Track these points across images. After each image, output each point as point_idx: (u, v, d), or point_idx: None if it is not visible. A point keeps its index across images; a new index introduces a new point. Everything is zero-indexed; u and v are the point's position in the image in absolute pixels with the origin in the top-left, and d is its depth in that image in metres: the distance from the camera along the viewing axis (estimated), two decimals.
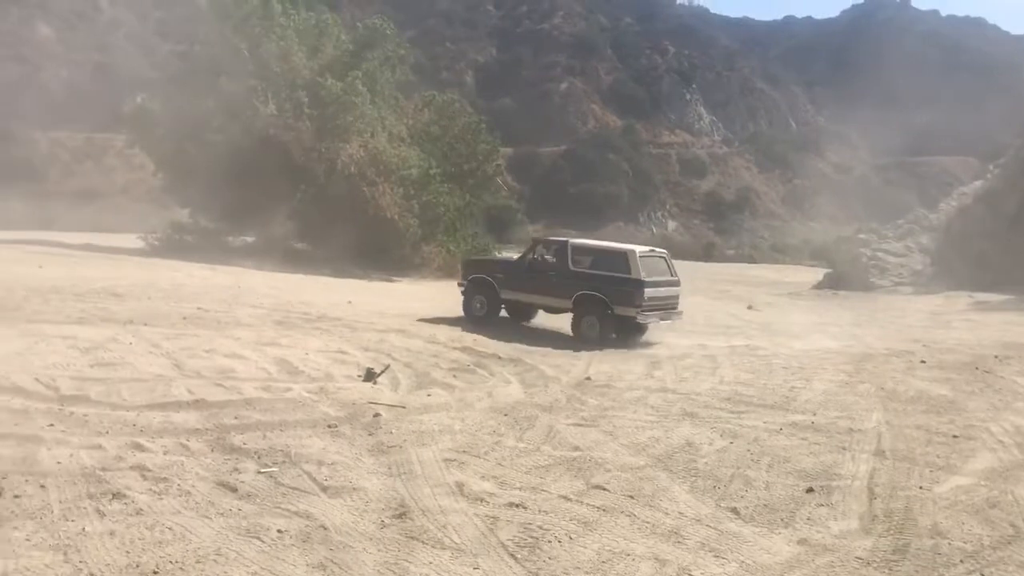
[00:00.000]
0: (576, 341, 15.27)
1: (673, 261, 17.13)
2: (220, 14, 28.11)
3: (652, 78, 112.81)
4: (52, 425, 7.77)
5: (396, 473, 7.00)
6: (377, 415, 8.68)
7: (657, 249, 17.72)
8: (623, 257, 15.92)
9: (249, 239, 30.46)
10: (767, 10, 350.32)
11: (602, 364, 12.98)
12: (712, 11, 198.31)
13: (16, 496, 5.88)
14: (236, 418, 8.33)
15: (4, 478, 6.09)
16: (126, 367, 10.17)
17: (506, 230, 55.16)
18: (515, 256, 18.94)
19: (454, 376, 11.22)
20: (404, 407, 9.18)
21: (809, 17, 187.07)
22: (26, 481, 6.19)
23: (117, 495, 6.00)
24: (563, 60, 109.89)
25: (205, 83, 28.55)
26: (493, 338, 14.59)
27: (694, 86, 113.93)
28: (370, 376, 10.59)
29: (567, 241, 17.16)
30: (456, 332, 14.74)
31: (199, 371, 10.20)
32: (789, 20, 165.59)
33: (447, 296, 19.45)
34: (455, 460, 7.42)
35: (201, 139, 27.52)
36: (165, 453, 7.15)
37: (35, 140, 76.10)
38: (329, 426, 8.26)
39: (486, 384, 10.93)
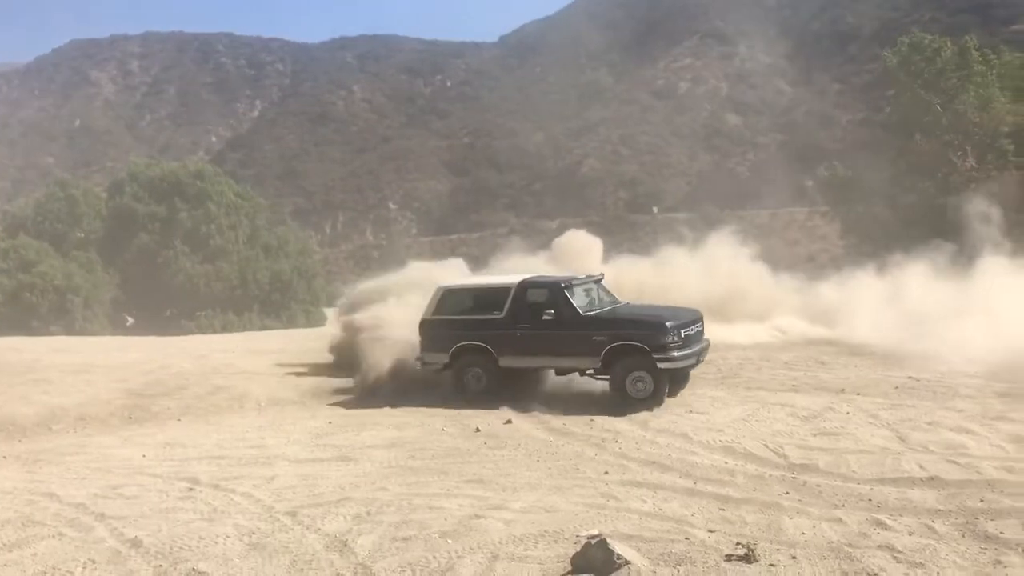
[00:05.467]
0: None
1: None
2: (910, 73, 27.30)
3: None
4: (788, 493, 7.81)
5: None
6: None
7: None
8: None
9: None
10: None
11: None
12: None
13: (771, 565, 5.89)
14: (982, 501, 7.41)
15: (756, 544, 6.16)
16: (848, 437, 9.93)
17: None
18: None
19: None
20: None
21: None
22: (777, 550, 6.19)
23: None
24: None
25: (894, 145, 27.91)
26: None
27: None
28: None
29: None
30: None
31: (925, 445, 9.47)
32: None
33: None
34: None
35: (892, 200, 26.81)
36: (910, 534, 6.60)
37: (723, 220, 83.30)
38: None
39: None
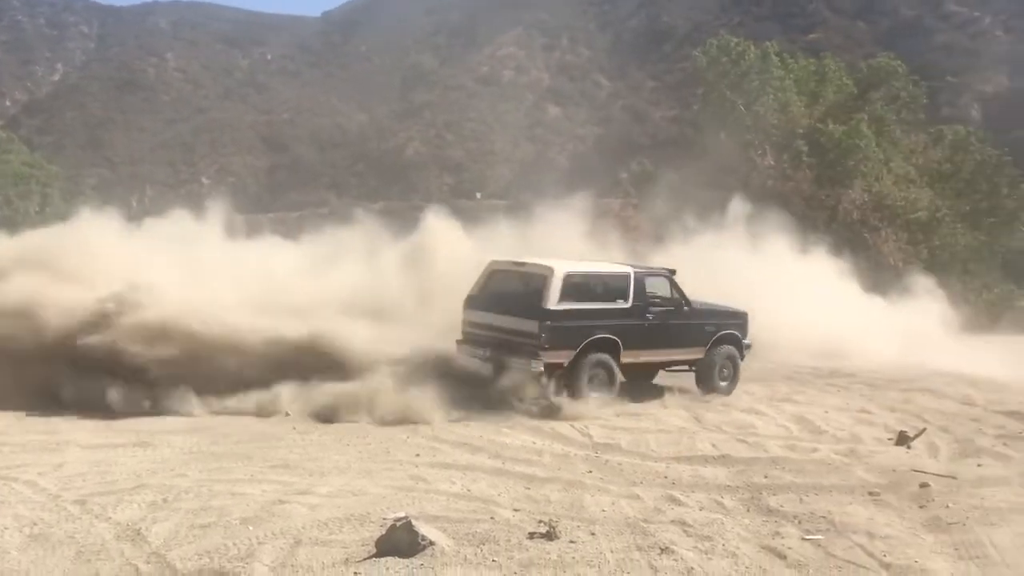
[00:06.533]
0: None
1: None
2: (718, 73, 28.83)
3: None
4: (591, 472, 8.10)
5: (967, 556, 6.05)
6: (925, 485, 7.71)
7: None
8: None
9: None
10: None
11: None
12: None
13: (571, 541, 6.08)
14: (766, 477, 7.97)
15: (558, 521, 6.34)
16: (649, 418, 10.43)
17: None
18: None
19: (1005, 444, 9.66)
20: (955, 478, 8.06)
21: None
22: (577, 527, 6.40)
23: (665, 550, 5.92)
24: None
25: (700, 142, 29.44)
26: None
27: None
28: (903, 440, 9.57)
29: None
30: (997, 394, 12.85)
31: (719, 425, 10.09)
32: None
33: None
34: None
35: (697, 196, 28.20)
36: (701, 509, 7.00)
37: (543, 209, 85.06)
38: (870, 493, 7.51)
39: None
